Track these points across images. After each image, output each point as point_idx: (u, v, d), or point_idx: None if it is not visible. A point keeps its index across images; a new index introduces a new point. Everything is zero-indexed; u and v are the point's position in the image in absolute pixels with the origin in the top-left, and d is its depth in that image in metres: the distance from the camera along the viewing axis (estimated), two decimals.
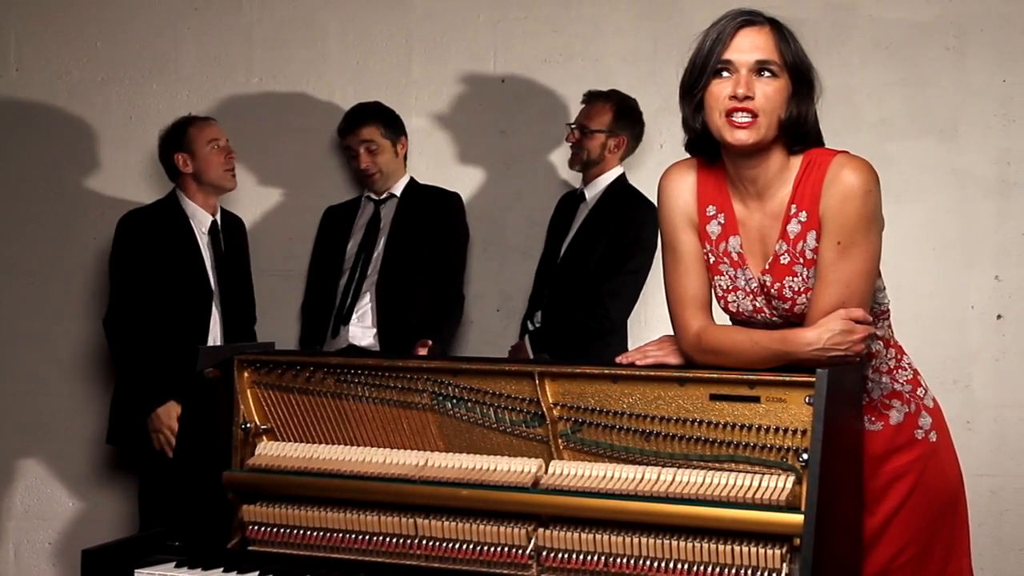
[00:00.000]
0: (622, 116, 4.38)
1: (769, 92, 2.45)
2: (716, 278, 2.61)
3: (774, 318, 2.57)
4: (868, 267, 2.47)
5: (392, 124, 4.54)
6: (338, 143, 4.71)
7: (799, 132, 2.50)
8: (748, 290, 2.58)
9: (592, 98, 4.41)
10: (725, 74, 2.46)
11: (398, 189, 4.57)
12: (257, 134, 4.79)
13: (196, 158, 4.39)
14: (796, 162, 2.52)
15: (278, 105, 4.82)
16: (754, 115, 2.44)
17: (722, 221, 2.58)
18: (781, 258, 2.52)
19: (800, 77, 2.49)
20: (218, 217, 4.48)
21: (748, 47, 2.46)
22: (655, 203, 4.20)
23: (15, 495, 4.93)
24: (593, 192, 4.40)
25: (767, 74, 2.45)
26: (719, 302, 2.64)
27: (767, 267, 2.54)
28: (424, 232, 4.49)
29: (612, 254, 4.27)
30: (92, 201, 4.87)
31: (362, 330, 4.45)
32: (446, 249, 4.51)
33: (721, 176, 2.59)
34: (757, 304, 2.58)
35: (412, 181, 4.61)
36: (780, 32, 2.49)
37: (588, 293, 4.26)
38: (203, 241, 4.42)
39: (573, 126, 4.42)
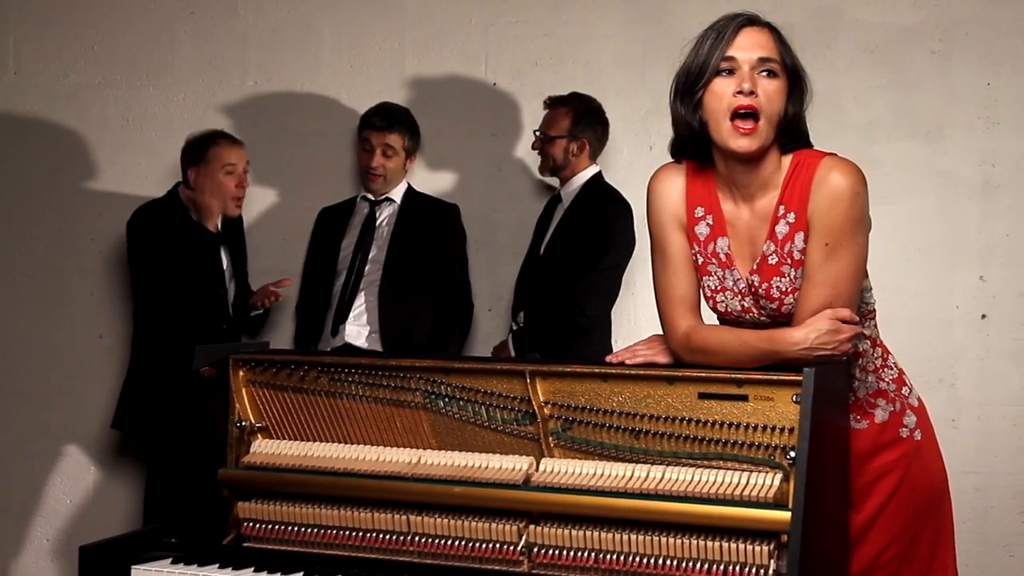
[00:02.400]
0: (581, 120, 4.39)
1: (771, 92, 2.46)
2: (705, 278, 2.62)
3: (762, 318, 2.59)
4: (855, 268, 2.49)
5: (415, 138, 4.57)
6: (331, 145, 4.75)
7: (795, 133, 2.52)
8: (736, 290, 2.59)
9: (551, 104, 4.44)
10: (727, 73, 2.47)
11: (396, 194, 4.60)
12: (252, 137, 4.81)
13: (203, 178, 4.38)
14: (785, 163, 2.53)
15: (273, 108, 4.85)
16: (756, 118, 2.45)
17: (711, 222, 2.60)
18: (769, 259, 2.54)
19: (796, 79, 2.51)
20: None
21: (751, 45, 2.47)
22: (628, 201, 4.29)
23: (14, 492, 4.95)
24: (568, 192, 4.43)
25: (768, 73, 2.47)
26: (708, 302, 2.65)
27: (755, 267, 2.56)
28: (425, 240, 4.51)
29: (586, 252, 4.29)
30: (90, 202, 4.90)
31: (358, 329, 4.47)
32: (450, 260, 4.54)
33: (709, 178, 2.60)
34: (745, 304, 2.60)
35: (411, 188, 4.63)
36: (778, 35, 2.52)
37: (565, 292, 4.28)
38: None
39: (538, 133, 4.46)
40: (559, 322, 4.27)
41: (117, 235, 4.50)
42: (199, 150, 4.42)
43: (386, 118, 4.55)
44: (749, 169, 2.53)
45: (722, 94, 2.46)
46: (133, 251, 4.45)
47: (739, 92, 2.45)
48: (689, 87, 2.51)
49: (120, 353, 4.73)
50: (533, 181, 4.73)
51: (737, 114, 2.46)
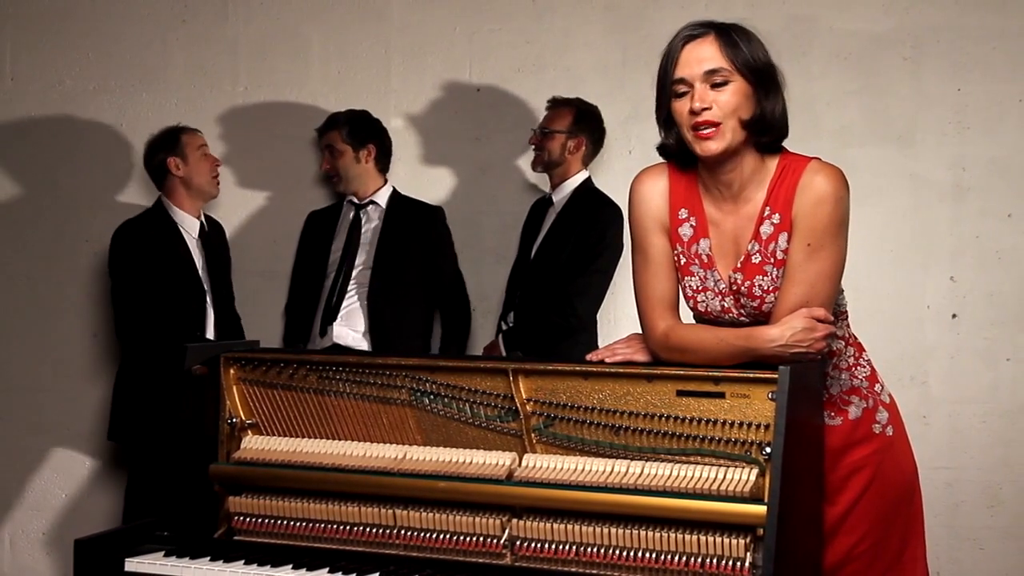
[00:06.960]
0: (582, 119, 4.44)
1: (723, 100, 2.49)
2: (686, 279, 2.66)
3: (741, 318, 2.63)
4: (834, 269, 2.54)
5: (358, 131, 4.58)
6: (319, 149, 4.74)
7: (766, 129, 2.55)
8: (717, 291, 2.63)
9: (555, 103, 4.48)
10: (682, 90, 2.52)
11: (381, 198, 4.62)
12: (243, 141, 4.84)
13: (188, 163, 4.49)
14: (772, 166, 2.58)
15: (263, 113, 4.87)
16: (715, 124, 2.49)
17: (694, 224, 2.64)
18: (753, 258, 2.58)
19: (759, 76, 2.53)
20: (203, 220, 4.57)
21: (694, 61, 2.51)
22: (620, 205, 4.31)
23: (10, 487, 4.97)
24: (560, 196, 4.46)
25: (719, 81, 2.50)
26: (688, 302, 2.68)
27: (739, 265, 2.60)
28: (411, 243, 4.53)
29: (579, 254, 4.32)
30: (84, 205, 4.92)
31: (347, 330, 4.50)
32: (437, 259, 4.56)
33: (693, 180, 2.65)
34: (725, 304, 2.63)
35: (396, 192, 4.65)
36: (726, 37, 2.52)
37: (557, 293, 4.31)
38: (192, 244, 4.50)
39: (535, 129, 4.49)
40: (550, 321, 4.31)
41: (111, 237, 4.54)
42: (172, 141, 4.51)
43: (324, 123, 4.63)
44: (728, 170, 2.57)
45: (681, 112, 2.53)
46: (115, 268, 4.48)
47: (691, 112, 2.50)
48: (658, 105, 2.59)
49: (114, 352, 4.75)
50: (517, 184, 4.76)
51: (697, 128, 2.52)
